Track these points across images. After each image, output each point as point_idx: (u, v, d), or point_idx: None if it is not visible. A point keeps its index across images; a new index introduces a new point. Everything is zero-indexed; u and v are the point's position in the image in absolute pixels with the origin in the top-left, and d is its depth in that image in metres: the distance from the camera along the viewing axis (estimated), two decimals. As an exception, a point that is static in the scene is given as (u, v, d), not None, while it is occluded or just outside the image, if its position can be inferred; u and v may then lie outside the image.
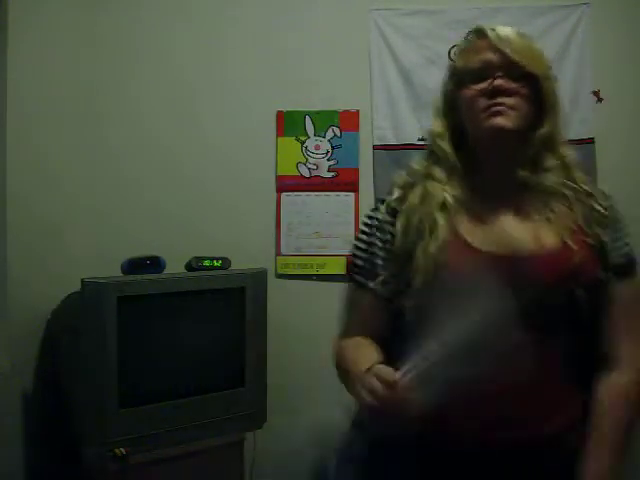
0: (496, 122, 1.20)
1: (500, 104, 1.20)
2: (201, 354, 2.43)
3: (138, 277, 2.35)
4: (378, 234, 1.28)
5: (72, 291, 2.37)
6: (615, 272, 1.22)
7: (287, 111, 2.94)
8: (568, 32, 2.85)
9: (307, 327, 2.87)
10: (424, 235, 1.21)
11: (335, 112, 2.93)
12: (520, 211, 1.24)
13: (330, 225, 2.87)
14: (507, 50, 1.22)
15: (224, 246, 2.73)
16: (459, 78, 1.27)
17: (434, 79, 2.97)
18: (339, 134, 2.93)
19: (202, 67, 2.96)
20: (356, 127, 2.92)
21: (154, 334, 2.35)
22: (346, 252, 2.78)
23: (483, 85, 1.22)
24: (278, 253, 2.92)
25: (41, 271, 2.54)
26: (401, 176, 1.32)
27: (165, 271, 2.50)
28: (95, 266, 2.53)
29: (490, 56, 1.23)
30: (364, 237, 1.31)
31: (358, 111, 2.92)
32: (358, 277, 1.30)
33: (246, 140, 2.95)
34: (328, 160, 2.94)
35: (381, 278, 1.26)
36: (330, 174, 2.94)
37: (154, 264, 2.48)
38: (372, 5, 2.91)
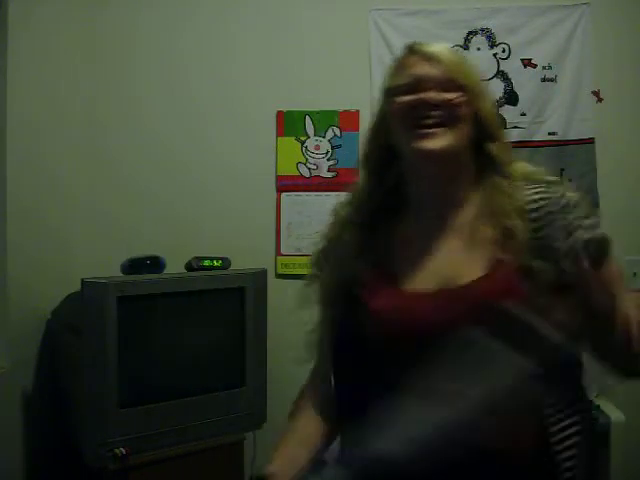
0: (426, 144, 1.10)
1: (430, 118, 1.09)
2: (201, 354, 2.43)
3: (138, 277, 2.35)
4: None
5: (72, 291, 2.37)
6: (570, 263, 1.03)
7: (287, 111, 2.94)
8: (568, 32, 2.85)
9: (307, 327, 2.87)
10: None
11: (335, 112, 2.93)
12: (447, 237, 1.15)
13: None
14: (440, 62, 1.13)
15: (224, 246, 2.73)
16: (388, 95, 1.17)
17: (434, 79, 3.01)
18: (339, 134, 2.93)
19: (202, 67, 2.96)
20: (356, 127, 2.92)
21: (154, 334, 2.35)
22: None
23: (411, 97, 1.12)
24: (278, 253, 2.92)
25: (41, 271, 2.54)
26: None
27: (165, 271, 2.50)
28: (95, 266, 2.53)
29: (420, 69, 1.14)
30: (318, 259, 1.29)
31: (358, 111, 2.92)
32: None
33: (246, 140, 2.95)
34: (328, 160, 2.94)
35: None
36: (330, 174, 2.93)
37: (154, 264, 2.48)
38: (372, 5, 2.91)
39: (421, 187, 1.18)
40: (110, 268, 2.41)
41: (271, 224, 2.93)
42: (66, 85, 2.78)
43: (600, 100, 2.85)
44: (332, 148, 2.93)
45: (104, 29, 2.94)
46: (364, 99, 2.90)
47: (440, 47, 1.17)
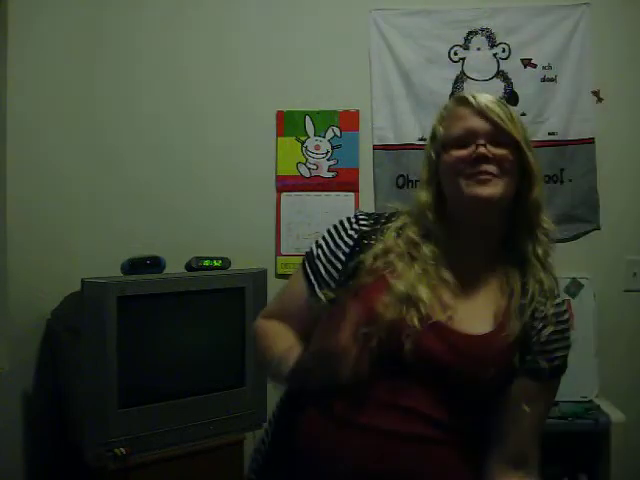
0: (481, 192, 1.19)
1: (485, 172, 1.19)
2: (201, 354, 2.43)
3: (138, 277, 2.35)
4: (345, 242, 1.35)
5: (72, 291, 2.37)
6: (533, 374, 1.21)
7: (287, 111, 2.94)
8: (568, 32, 2.85)
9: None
10: (395, 270, 1.24)
11: (335, 112, 2.93)
12: (476, 283, 1.26)
13: (330, 225, 2.86)
14: (491, 117, 1.21)
15: (224, 246, 2.73)
16: (442, 145, 1.26)
17: (434, 79, 3.00)
18: (339, 134, 2.93)
19: (202, 67, 2.96)
20: (356, 127, 2.92)
21: (154, 334, 2.35)
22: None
23: (465, 152, 1.21)
24: (278, 253, 2.92)
25: (41, 271, 2.54)
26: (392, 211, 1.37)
27: (165, 271, 2.50)
28: (95, 266, 2.53)
29: (473, 123, 1.22)
30: (335, 237, 1.38)
31: (358, 111, 2.92)
32: (311, 276, 1.35)
33: (246, 140, 2.95)
34: (328, 160, 2.93)
35: (331, 287, 1.31)
36: (330, 174, 2.93)
37: (154, 264, 2.48)
38: (372, 5, 2.91)
39: (460, 233, 1.27)
40: (110, 268, 2.41)
41: (271, 224, 2.93)
42: (66, 85, 2.77)
43: (600, 100, 2.85)
44: (332, 148, 2.93)
45: (104, 29, 2.94)
46: (364, 99, 2.91)
47: (488, 98, 1.25)
